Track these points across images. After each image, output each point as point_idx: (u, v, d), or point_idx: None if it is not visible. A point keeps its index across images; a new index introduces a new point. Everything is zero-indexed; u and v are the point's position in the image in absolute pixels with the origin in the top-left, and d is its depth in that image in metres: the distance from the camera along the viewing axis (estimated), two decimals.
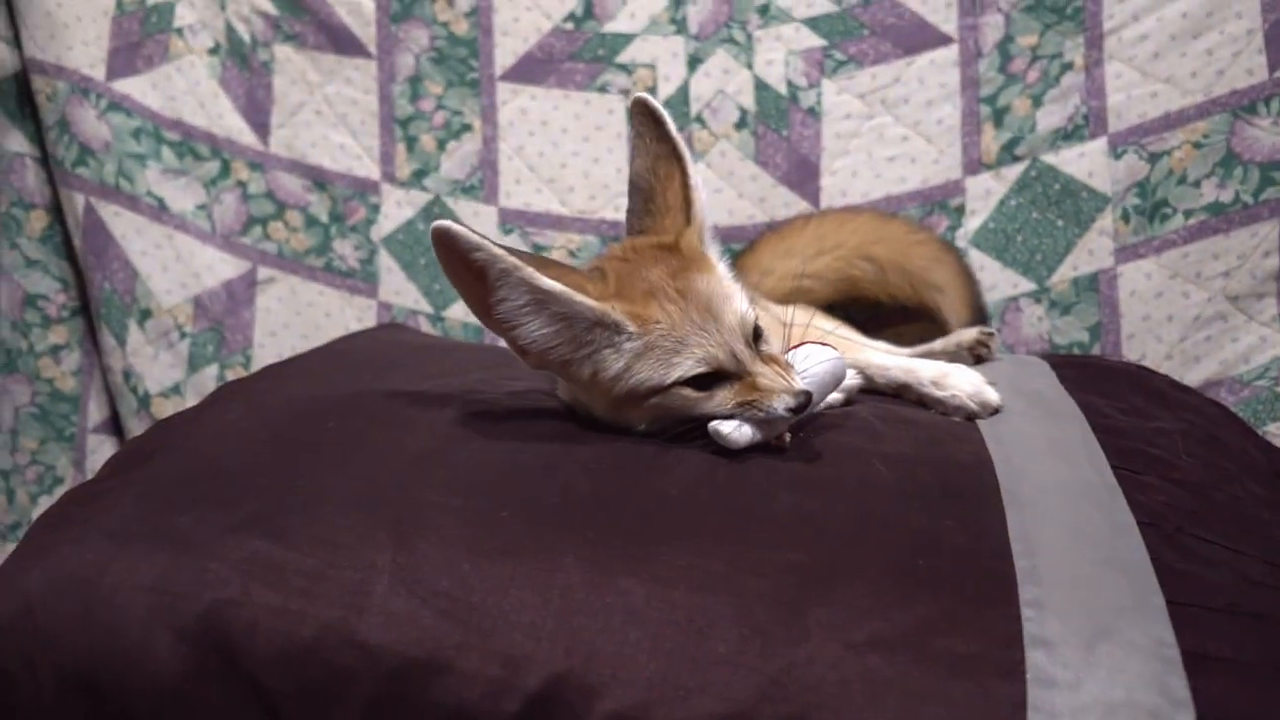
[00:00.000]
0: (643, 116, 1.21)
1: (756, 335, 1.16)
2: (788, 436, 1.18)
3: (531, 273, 1.10)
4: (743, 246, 1.98)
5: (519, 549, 1.00)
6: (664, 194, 1.22)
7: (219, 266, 2.08)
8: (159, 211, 2.04)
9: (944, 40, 1.95)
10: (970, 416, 1.30)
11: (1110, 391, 1.41)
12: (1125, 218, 1.83)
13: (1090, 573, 0.98)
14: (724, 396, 1.13)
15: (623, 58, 2.05)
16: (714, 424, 1.13)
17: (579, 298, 1.11)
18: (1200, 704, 0.84)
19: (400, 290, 2.09)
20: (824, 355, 1.20)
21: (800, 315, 1.36)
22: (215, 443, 1.22)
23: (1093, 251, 1.85)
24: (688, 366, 1.12)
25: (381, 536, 1.02)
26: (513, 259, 1.09)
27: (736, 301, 1.15)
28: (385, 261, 2.10)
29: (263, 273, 2.10)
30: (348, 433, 1.21)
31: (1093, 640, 0.89)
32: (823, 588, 0.95)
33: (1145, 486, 1.12)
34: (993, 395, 1.31)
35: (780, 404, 1.11)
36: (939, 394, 1.33)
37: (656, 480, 1.10)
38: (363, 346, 1.68)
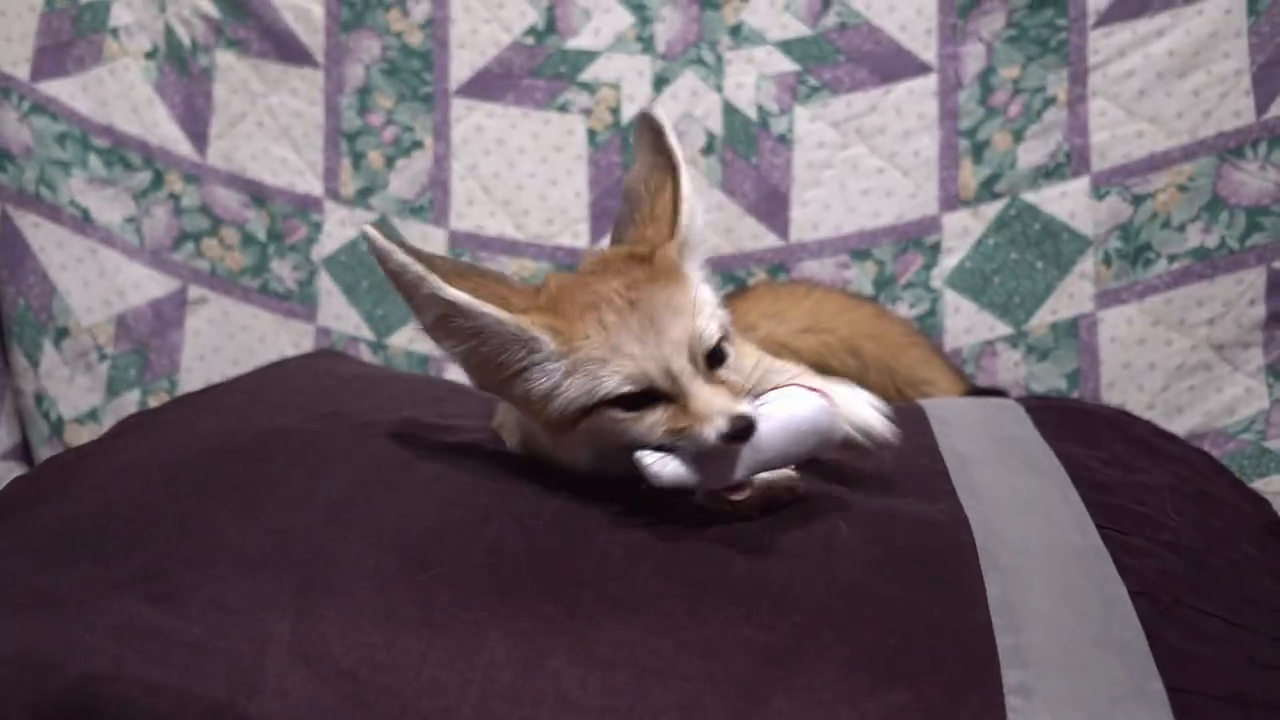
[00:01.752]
0: (644, 127, 1.15)
1: (715, 358, 1.04)
2: (747, 491, 1.03)
3: (436, 283, 1.02)
4: (734, 290, 1.90)
5: (438, 620, 0.90)
6: (652, 204, 1.14)
7: (146, 284, 1.97)
8: (82, 223, 1.93)
9: (923, 69, 1.88)
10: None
11: (1090, 440, 1.35)
12: (1107, 261, 1.77)
13: (1081, 653, 0.90)
14: (655, 420, 1.01)
15: (585, 76, 1.97)
16: (638, 454, 1.00)
17: (487, 309, 1.03)
18: None
19: (341, 315, 1.99)
20: (807, 401, 1.03)
21: (792, 369, 1.25)
22: (107, 485, 1.10)
23: (1073, 295, 1.79)
24: (613, 384, 1.01)
25: (283, 601, 0.91)
26: (418, 268, 1.02)
27: (693, 317, 1.03)
28: (325, 284, 2.00)
29: (194, 292, 1.99)
30: (258, 476, 1.11)
31: None
32: (784, 672, 0.86)
33: (1135, 550, 1.06)
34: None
35: (711, 430, 0.96)
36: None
37: (599, 538, 1.00)
38: (289, 375, 1.57)
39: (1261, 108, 1.67)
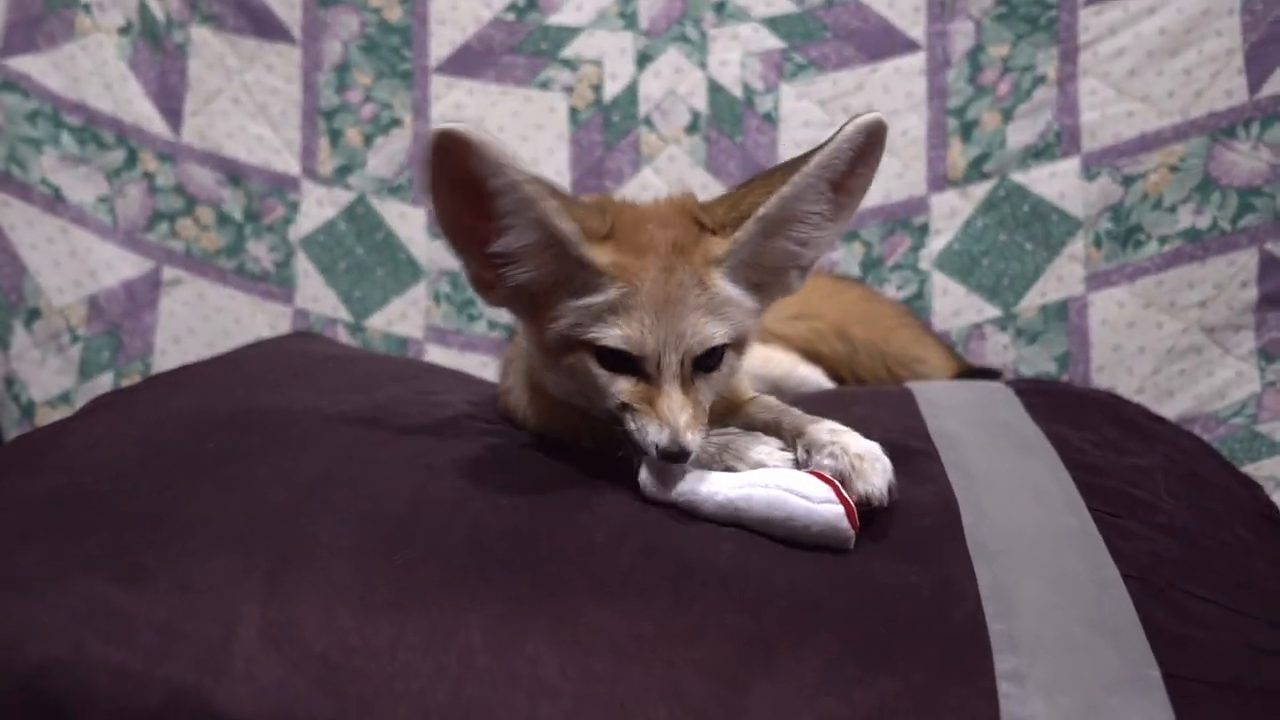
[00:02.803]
0: (864, 129, 1.01)
1: (704, 365, 1.03)
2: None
3: (553, 208, 0.97)
4: None
5: (413, 602, 0.86)
6: (753, 190, 1.05)
7: (119, 265, 1.92)
8: (54, 202, 1.88)
9: (911, 47, 1.85)
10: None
11: (1081, 422, 1.32)
12: (1097, 243, 1.74)
13: (1075, 638, 0.87)
14: (621, 389, 1.01)
15: (567, 52, 1.93)
16: (641, 478, 1.01)
17: (586, 249, 1.00)
18: None
19: (318, 296, 1.94)
20: (812, 504, 0.96)
21: (780, 357, 1.22)
22: (75, 463, 1.06)
23: (1062, 278, 1.76)
24: (610, 336, 1.00)
25: (253, 582, 0.87)
26: (534, 187, 0.96)
27: (707, 323, 1.01)
28: (303, 265, 1.95)
29: (168, 273, 1.94)
30: (232, 453, 1.07)
31: None
32: (769, 658, 0.83)
33: (1128, 533, 1.03)
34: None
35: (652, 434, 0.98)
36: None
37: (581, 519, 0.97)
38: (264, 356, 1.53)
39: (1254, 87, 1.65)
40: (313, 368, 1.43)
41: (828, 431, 1.05)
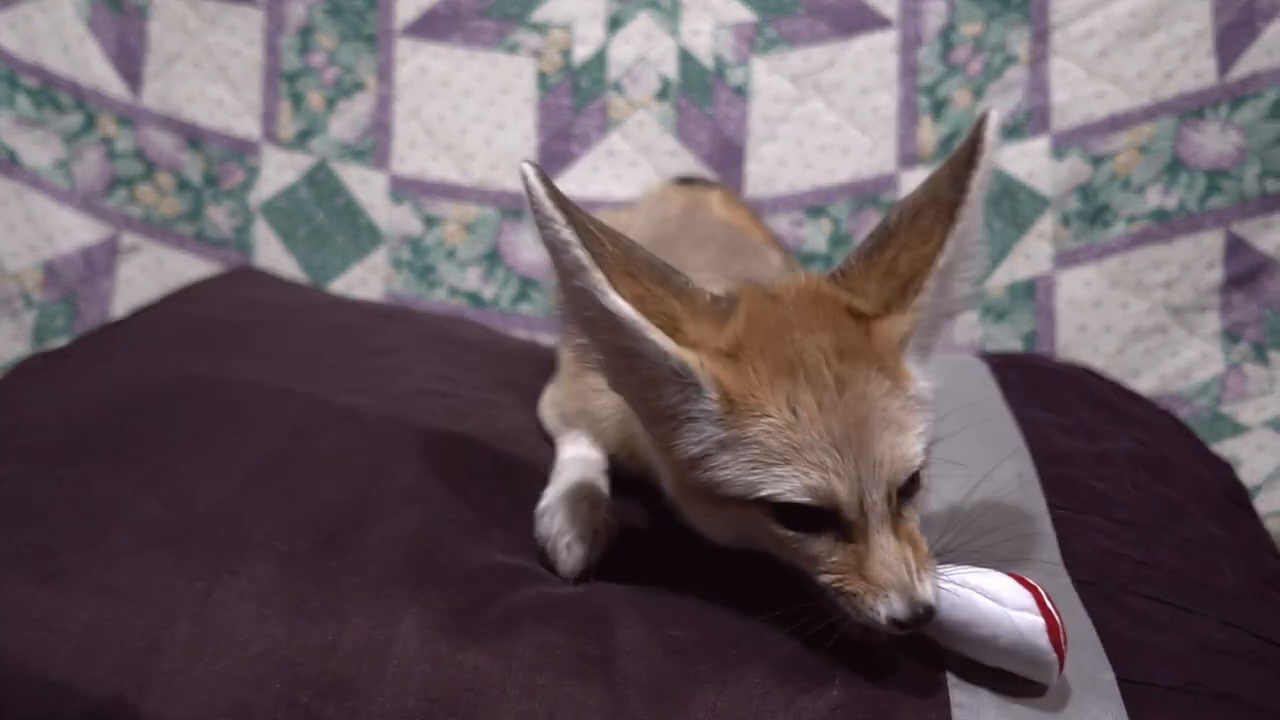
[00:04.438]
0: (971, 135, 0.87)
1: (906, 492, 0.83)
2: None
3: (598, 279, 0.78)
4: None
5: (349, 610, 0.84)
6: (902, 248, 0.86)
7: (76, 230, 1.88)
8: (9, 166, 1.84)
9: (883, 23, 1.83)
10: None
11: (1055, 403, 1.33)
12: (1065, 222, 1.74)
13: None
14: (824, 553, 0.81)
15: (537, 16, 1.89)
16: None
17: (652, 335, 0.79)
18: None
19: (278, 261, 1.91)
20: (1014, 613, 0.79)
21: None
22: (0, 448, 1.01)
23: (1030, 256, 1.75)
24: (786, 489, 0.79)
25: (182, 585, 0.84)
26: (581, 253, 0.78)
27: (903, 438, 0.81)
28: (262, 231, 1.92)
29: (127, 239, 1.90)
30: (165, 438, 1.02)
31: None
32: (714, 671, 0.82)
33: (1086, 529, 1.02)
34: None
35: (882, 608, 0.77)
36: None
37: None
38: (206, 307, 1.45)
39: (1223, 69, 1.64)
40: (258, 325, 1.37)
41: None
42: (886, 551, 0.78)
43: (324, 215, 1.90)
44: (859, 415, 0.79)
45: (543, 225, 0.79)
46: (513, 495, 1.00)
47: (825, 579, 0.81)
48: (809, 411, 0.79)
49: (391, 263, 1.89)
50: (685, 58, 1.88)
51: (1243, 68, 1.63)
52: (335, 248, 1.90)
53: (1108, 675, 0.83)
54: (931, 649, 0.84)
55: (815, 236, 1.85)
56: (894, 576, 0.77)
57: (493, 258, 1.88)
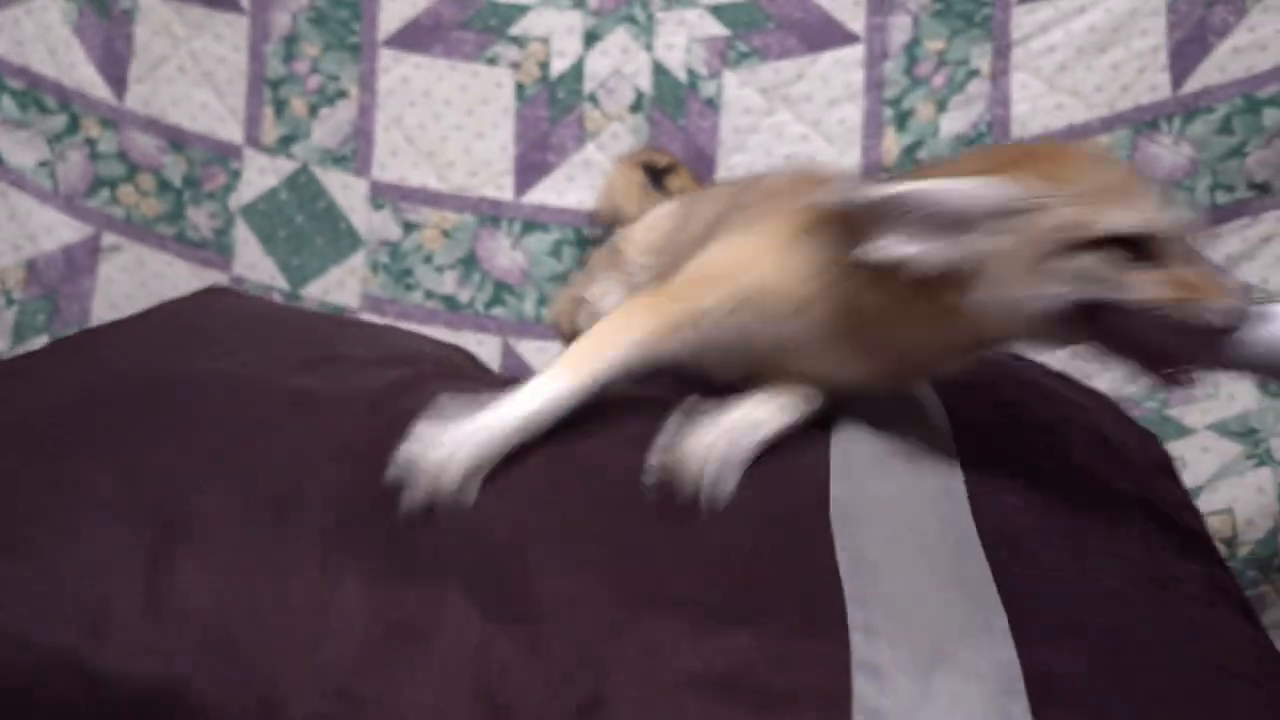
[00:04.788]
0: None
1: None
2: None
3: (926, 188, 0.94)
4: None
5: (296, 564, 0.89)
6: None
7: (59, 229, 1.91)
8: None
9: (850, 39, 1.89)
10: None
11: (978, 383, 1.32)
12: None
13: (927, 594, 0.91)
14: (1145, 279, 0.91)
15: (515, 29, 1.94)
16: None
17: (986, 188, 0.93)
18: None
19: (256, 264, 1.94)
20: None
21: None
22: None
23: None
24: (1124, 219, 0.90)
25: (136, 553, 0.89)
26: (896, 187, 0.94)
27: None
28: (242, 233, 1.95)
29: (108, 239, 1.94)
30: (123, 417, 1.05)
31: (929, 668, 0.82)
32: (629, 621, 0.86)
33: (996, 490, 1.06)
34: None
35: (1219, 305, 0.89)
36: None
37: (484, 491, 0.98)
38: (177, 318, 1.48)
39: (1177, 83, 1.70)
40: (226, 332, 1.39)
41: None
42: (1199, 268, 0.91)
43: (304, 218, 1.94)
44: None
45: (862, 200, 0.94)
46: None
47: (1151, 292, 0.90)
48: (1110, 171, 0.95)
49: (369, 266, 1.92)
50: (659, 71, 1.93)
51: (1195, 82, 1.68)
52: (314, 250, 1.93)
53: (1000, 621, 0.87)
54: (834, 598, 0.88)
55: None
56: (1211, 281, 0.90)
57: (469, 262, 1.92)
